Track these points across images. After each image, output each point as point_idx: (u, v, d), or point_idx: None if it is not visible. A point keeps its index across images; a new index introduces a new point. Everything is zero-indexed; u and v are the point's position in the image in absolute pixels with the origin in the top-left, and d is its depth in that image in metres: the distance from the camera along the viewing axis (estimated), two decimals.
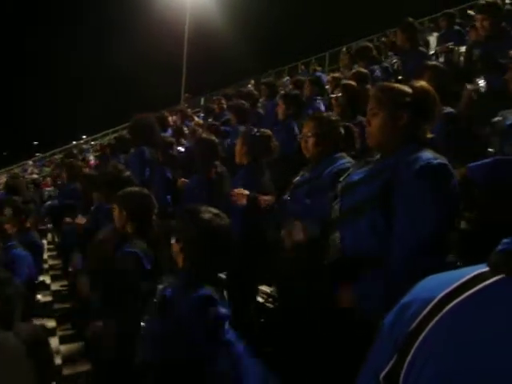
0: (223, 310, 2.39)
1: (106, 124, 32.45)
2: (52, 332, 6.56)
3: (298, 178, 3.67)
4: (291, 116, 6.21)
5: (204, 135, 5.98)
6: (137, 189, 3.77)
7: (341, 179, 2.84)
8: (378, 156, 2.69)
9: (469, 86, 4.78)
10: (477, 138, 4.10)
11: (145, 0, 33.34)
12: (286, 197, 3.66)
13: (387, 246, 2.36)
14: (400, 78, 7.79)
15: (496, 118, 3.67)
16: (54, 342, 6.24)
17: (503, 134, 3.59)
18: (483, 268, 0.88)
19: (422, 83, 2.71)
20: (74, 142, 32.35)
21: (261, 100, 9.11)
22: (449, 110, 4.15)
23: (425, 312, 0.87)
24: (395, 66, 8.63)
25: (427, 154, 2.42)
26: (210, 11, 31.39)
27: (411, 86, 2.64)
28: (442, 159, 2.39)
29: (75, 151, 20.10)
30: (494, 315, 0.81)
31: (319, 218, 2.99)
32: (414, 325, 0.87)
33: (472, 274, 0.87)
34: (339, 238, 2.60)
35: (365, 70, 6.80)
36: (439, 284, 0.90)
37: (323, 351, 2.67)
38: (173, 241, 2.67)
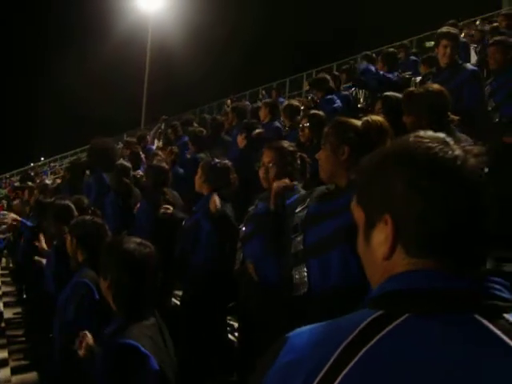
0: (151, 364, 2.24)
1: (67, 146, 32.00)
2: (4, 362, 6.36)
3: (252, 207, 3.65)
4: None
5: (154, 162, 5.99)
6: (89, 217, 3.80)
7: (297, 210, 2.81)
8: (333, 187, 2.72)
9: None
10: None
11: (106, 22, 33.25)
12: (242, 227, 3.63)
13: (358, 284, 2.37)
14: (359, 105, 7.96)
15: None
16: (5, 372, 6.05)
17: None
18: (370, 313, 0.88)
19: (373, 117, 2.75)
20: (32, 164, 31.74)
21: None
22: None
23: (327, 367, 0.84)
24: (353, 94, 8.81)
25: None
26: (172, 33, 31.48)
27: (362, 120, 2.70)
28: None
29: (32, 173, 19.73)
30: (411, 359, 0.81)
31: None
32: (316, 380, 0.83)
33: (367, 321, 0.86)
34: (306, 271, 2.61)
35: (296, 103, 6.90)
36: (329, 335, 0.89)
37: None
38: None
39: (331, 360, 0.84)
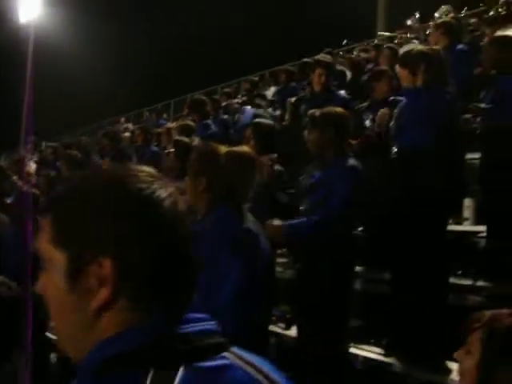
0: None
1: None
2: None
3: None
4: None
5: (25, 188, 5.79)
6: None
7: None
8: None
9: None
10: None
11: None
12: None
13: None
14: (233, 131, 8.09)
15: (301, 177, 3.89)
16: None
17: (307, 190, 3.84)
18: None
19: (235, 148, 2.81)
20: None
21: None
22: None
23: None
24: (235, 118, 8.94)
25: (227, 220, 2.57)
26: (61, 47, 30.24)
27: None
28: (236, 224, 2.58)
29: None
30: None
31: None
32: None
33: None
34: None
35: (191, 123, 6.92)
36: None
37: None
38: None
39: None
